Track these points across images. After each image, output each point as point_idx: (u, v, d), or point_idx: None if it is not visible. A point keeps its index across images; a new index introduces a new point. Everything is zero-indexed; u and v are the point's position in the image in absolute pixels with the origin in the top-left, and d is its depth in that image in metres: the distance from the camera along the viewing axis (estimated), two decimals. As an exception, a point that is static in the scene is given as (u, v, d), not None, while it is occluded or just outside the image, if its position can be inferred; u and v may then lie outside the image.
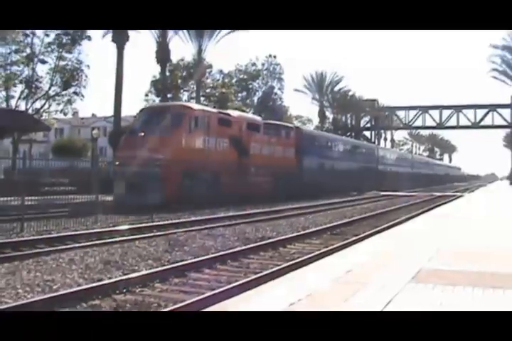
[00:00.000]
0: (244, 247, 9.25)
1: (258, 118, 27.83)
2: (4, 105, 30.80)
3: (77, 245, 9.23)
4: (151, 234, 10.68)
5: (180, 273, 7.15)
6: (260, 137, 24.75)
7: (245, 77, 55.27)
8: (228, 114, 23.19)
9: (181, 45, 60.80)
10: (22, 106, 31.33)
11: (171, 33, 35.27)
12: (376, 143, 65.40)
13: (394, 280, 4.78)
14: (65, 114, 32.99)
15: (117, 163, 18.06)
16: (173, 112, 19.58)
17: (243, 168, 22.42)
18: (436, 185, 59.37)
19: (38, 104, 31.86)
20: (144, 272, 7.01)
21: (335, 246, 9.50)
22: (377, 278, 4.91)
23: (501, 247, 6.87)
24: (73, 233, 10.70)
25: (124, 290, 6.14)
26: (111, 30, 30.49)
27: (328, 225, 13.22)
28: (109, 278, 6.65)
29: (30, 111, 30.79)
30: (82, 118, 31.29)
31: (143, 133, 18.31)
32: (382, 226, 12.60)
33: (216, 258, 8.14)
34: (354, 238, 10.64)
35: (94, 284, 6.21)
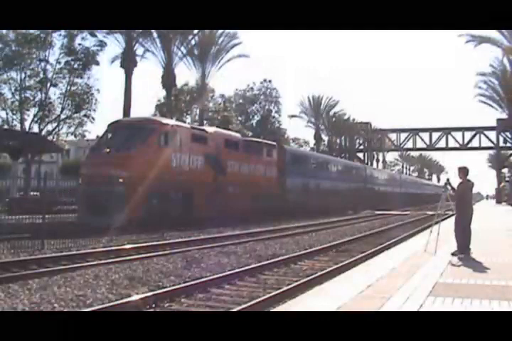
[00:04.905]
0: (258, 264, 9.59)
1: (237, 134, 26.33)
2: (18, 127, 31.32)
3: (101, 262, 9.52)
4: (167, 252, 10.98)
5: (203, 288, 7.49)
6: (239, 155, 23.16)
7: (242, 101, 56.39)
8: (204, 130, 21.80)
9: (185, 70, 62.43)
10: (35, 129, 31.97)
11: (176, 59, 36.11)
12: (369, 164, 66.44)
13: (415, 294, 5.19)
14: (75, 136, 33.42)
15: (80, 181, 16.93)
16: (141, 127, 18.03)
17: (219, 187, 20.76)
18: (426, 203, 60.06)
19: (49, 127, 32.44)
20: (170, 288, 7.33)
21: (345, 262, 9.86)
22: (399, 293, 5.30)
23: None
24: (93, 250, 10.99)
25: (154, 305, 6.46)
26: (119, 57, 31.56)
27: (333, 243, 13.57)
28: (137, 294, 6.96)
29: (42, 133, 31.35)
30: (88, 140, 31.80)
31: (108, 150, 17.04)
32: (385, 244, 13.07)
33: (234, 275, 8.47)
34: (362, 255, 11.03)
35: (125, 300, 6.51)
